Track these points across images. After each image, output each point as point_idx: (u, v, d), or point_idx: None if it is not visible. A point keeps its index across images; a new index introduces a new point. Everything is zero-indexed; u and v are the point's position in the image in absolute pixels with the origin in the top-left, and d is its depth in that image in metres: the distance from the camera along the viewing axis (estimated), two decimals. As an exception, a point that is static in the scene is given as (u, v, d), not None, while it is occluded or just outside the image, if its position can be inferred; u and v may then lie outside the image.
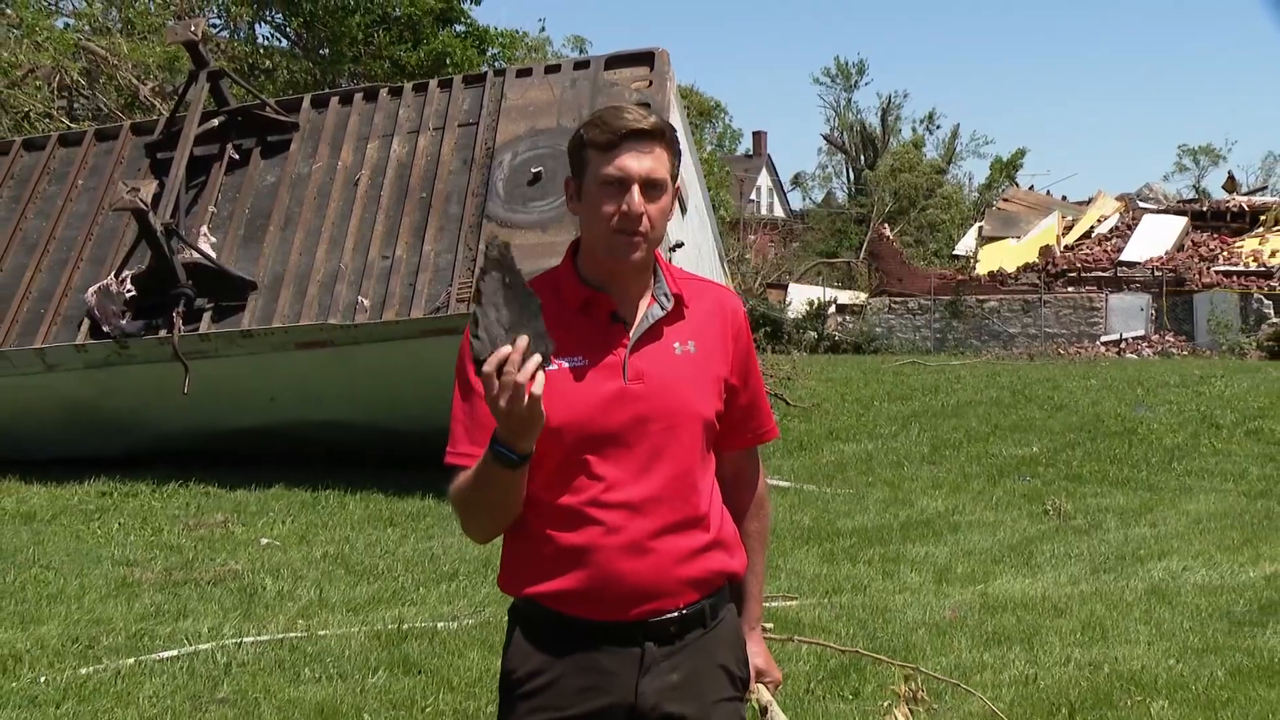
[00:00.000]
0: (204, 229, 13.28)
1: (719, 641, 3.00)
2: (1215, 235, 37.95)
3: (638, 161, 2.83)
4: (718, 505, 3.02)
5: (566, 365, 2.86)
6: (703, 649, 2.96)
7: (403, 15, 26.69)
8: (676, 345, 2.94)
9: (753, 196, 66.17)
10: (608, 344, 2.89)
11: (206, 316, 12.67)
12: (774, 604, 7.83)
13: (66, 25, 26.72)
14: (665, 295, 2.96)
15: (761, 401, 3.16)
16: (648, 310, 2.94)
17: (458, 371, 2.93)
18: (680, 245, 12.28)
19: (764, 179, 72.16)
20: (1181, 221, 38.31)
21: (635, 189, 2.82)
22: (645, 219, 2.83)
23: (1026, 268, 38.22)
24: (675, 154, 2.91)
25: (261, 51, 28.75)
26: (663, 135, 2.86)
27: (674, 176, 2.91)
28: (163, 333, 12.53)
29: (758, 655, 3.17)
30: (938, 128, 69.65)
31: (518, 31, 30.03)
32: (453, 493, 2.87)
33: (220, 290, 12.75)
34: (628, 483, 2.85)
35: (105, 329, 12.70)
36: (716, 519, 2.99)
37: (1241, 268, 35.53)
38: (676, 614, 2.91)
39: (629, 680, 2.89)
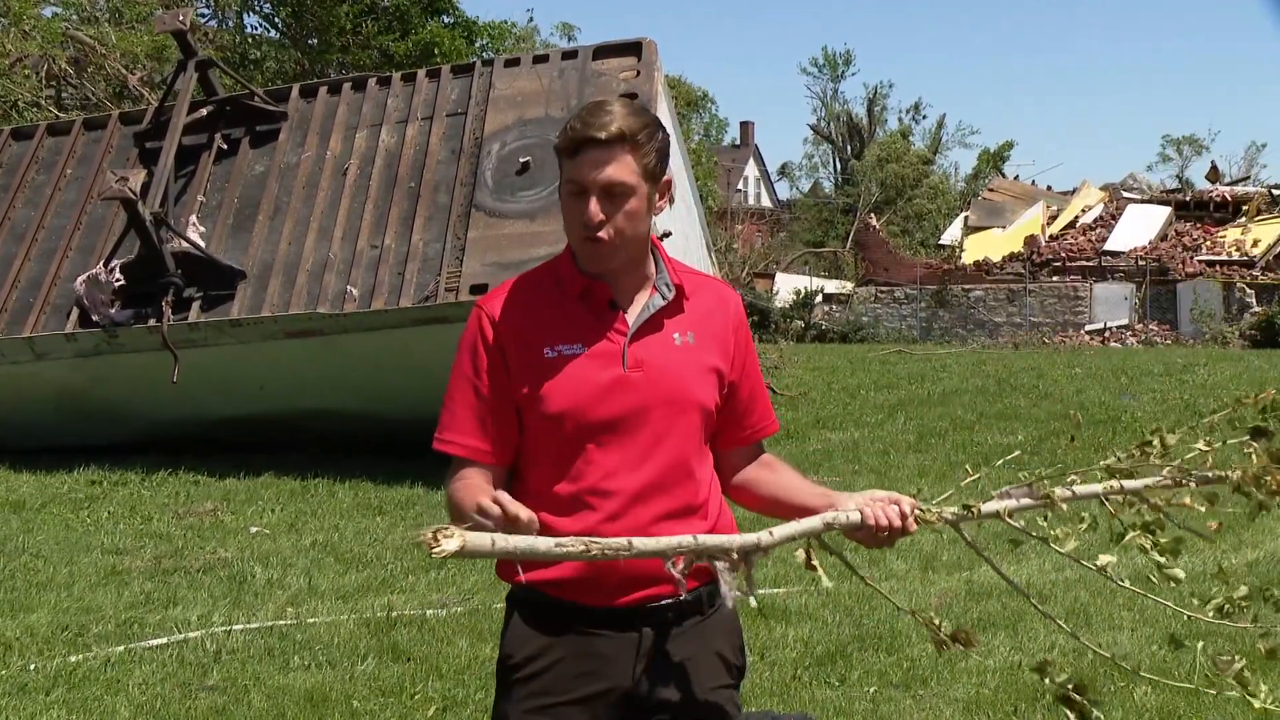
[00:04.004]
0: (193, 218, 13.29)
1: (715, 629, 3.04)
2: (1199, 225, 38.07)
3: (595, 170, 2.81)
4: (716, 494, 3.06)
5: (566, 353, 2.89)
6: (700, 636, 2.99)
7: (391, 5, 26.67)
8: (676, 336, 2.96)
9: (740, 186, 66.19)
10: (606, 332, 2.92)
11: (195, 305, 12.66)
12: (761, 592, 7.88)
13: (54, 14, 26.68)
14: (666, 285, 2.98)
15: (761, 396, 3.17)
16: (648, 300, 2.96)
17: (455, 359, 2.97)
18: (668, 235, 12.32)
19: (751, 169, 72.19)
20: (1165, 211, 38.43)
21: (592, 199, 2.81)
22: (608, 227, 2.82)
23: (1012, 257, 38.32)
24: (648, 152, 2.86)
25: (250, 41, 28.73)
26: (623, 139, 2.82)
27: (652, 175, 2.88)
28: (152, 321, 12.52)
29: (850, 497, 3.03)
30: (924, 118, 69.85)
31: (505, 21, 30.03)
32: (450, 497, 2.91)
33: (209, 279, 12.75)
34: (627, 470, 2.88)
35: (94, 318, 12.70)
36: (714, 508, 3.03)
37: (1225, 257, 35.66)
38: (674, 600, 2.93)
39: (626, 665, 2.92)
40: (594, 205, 2.82)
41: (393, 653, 7.02)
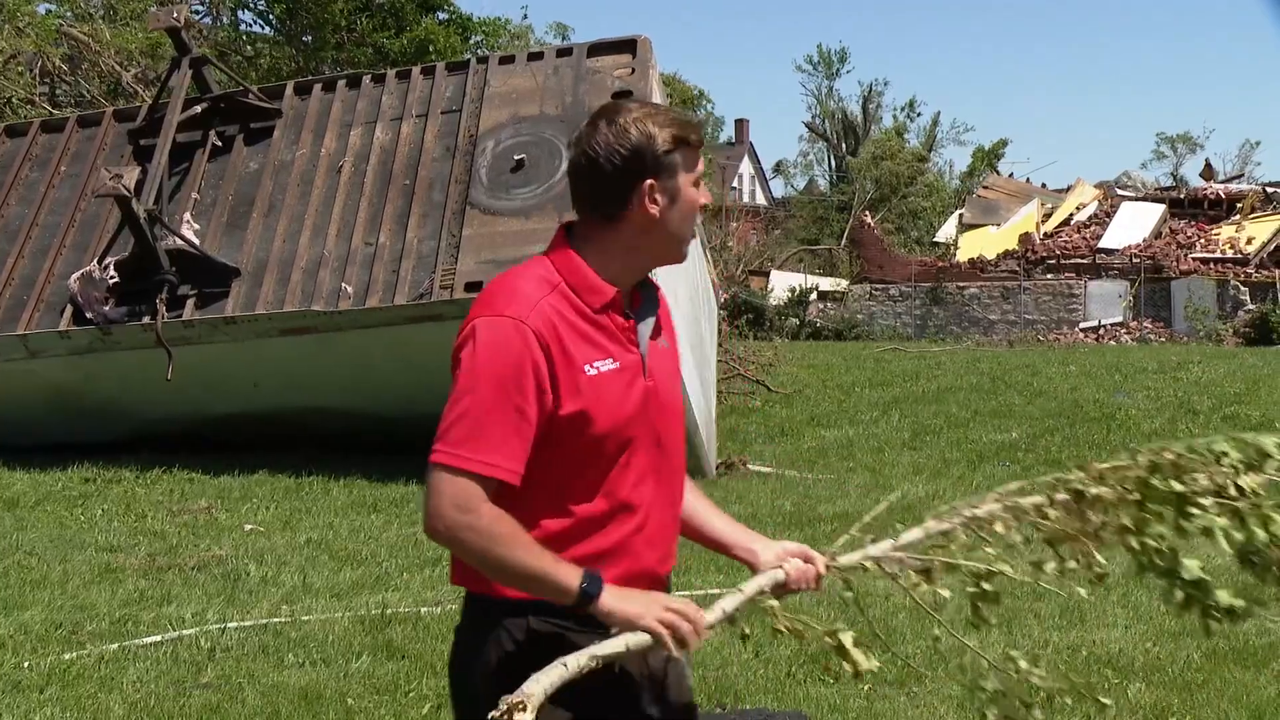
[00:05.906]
0: (187, 216, 13.27)
1: None
2: (1193, 223, 38.07)
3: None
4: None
5: (604, 369, 2.78)
6: None
7: (386, 2, 26.69)
8: (662, 340, 2.94)
9: (735, 184, 66.10)
10: (626, 343, 2.84)
11: (190, 303, 12.64)
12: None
13: (49, 11, 26.65)
14: (648, 286, 2.95)
15: None
16: (642, 304, 2.91)
17: (489, 370, 2.70)
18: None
19: (746, 166, 72.10)
20: (1159, 209, 38.41)
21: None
22: None
23: (1006, 255, 38.29)
24: None
25: (244, 38, 28.74)
26: None
27: None
28: (146, 319, 12.50)
29: (769, 549, 3.09)
30: (918, 115, 69.65)
31: (500, 18, 30.05)
32: (492, 544, 2.68)
33: (203, 277, 12.73)
34: (647, 480, 2.86)
35: (88, 315, 12.68)
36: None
37: (1218, 255, 35.67)
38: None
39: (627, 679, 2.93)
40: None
41: (387, 650, 7.01)
